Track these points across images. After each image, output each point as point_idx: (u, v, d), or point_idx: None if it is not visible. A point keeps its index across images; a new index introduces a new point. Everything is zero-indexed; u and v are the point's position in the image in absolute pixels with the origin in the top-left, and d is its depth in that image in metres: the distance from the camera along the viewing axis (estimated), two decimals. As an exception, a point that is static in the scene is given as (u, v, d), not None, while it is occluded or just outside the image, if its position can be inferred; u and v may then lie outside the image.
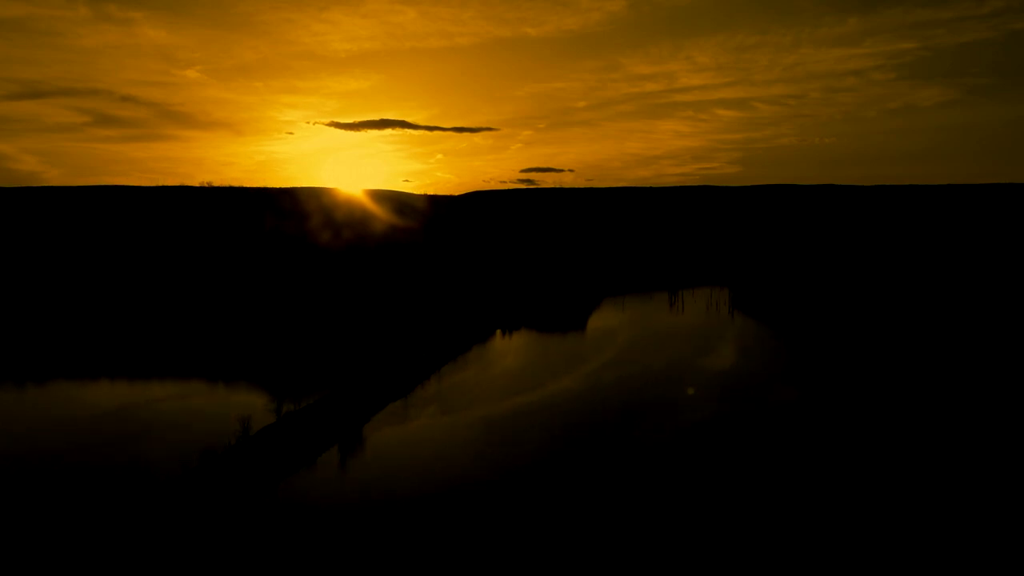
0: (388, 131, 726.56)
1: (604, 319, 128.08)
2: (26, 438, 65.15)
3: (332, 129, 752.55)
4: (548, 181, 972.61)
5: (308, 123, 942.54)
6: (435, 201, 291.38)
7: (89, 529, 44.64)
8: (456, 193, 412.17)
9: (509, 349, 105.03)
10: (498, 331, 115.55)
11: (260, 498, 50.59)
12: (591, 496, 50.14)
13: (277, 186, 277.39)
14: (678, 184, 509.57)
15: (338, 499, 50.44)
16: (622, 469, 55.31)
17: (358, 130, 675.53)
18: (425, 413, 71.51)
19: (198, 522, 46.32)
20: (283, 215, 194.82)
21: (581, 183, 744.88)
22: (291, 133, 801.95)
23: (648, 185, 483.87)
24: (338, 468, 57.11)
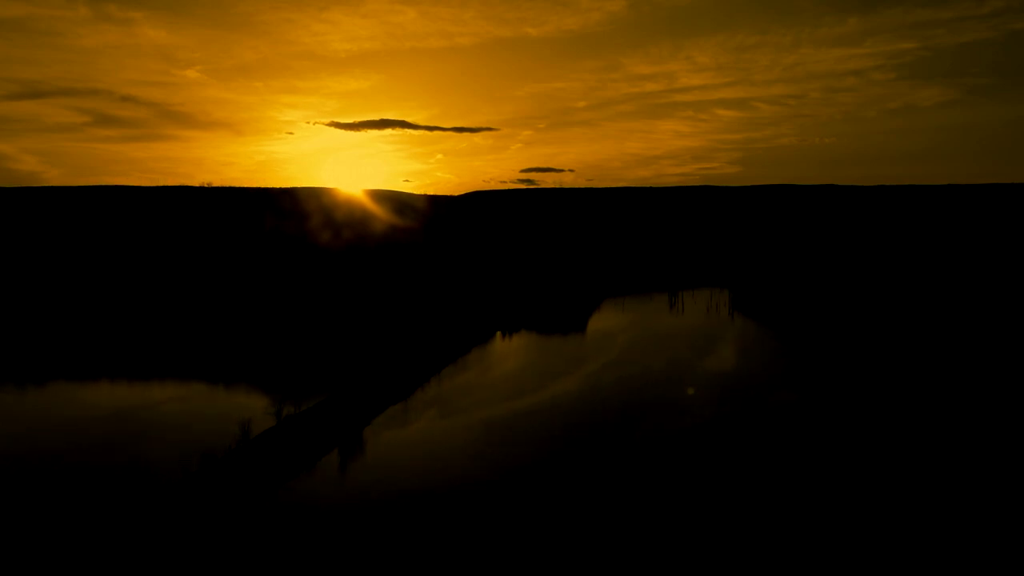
0: (388, 131, 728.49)
1: (604, 320, 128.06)
2: (26, 438, 65.12)
3: (332, 129, 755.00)
4: (548, 181, 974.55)
5: (308, 123, 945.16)
6: (435, 201, 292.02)
7: (89, 531, 44.59)
8: (456, 193, 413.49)
9: (509, 351, 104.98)
10: (498, 333, 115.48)
11: (260, 502, 50.55)
12: (591, 498, 50.10)
13: (277, 186, 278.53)
14: (678, 184, 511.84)
15: (338, 503, 50.39)
16: (622, 471, 55.28)
17: (358, 130, 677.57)
18: (425, 416, 71.46)
19: (198, 526, 46.28)
20: (283, 215, 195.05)
21: (581, 183, 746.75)
22: (291, 133, 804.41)
23: (648, 185, 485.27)
24: (338, 472, 57.07)
